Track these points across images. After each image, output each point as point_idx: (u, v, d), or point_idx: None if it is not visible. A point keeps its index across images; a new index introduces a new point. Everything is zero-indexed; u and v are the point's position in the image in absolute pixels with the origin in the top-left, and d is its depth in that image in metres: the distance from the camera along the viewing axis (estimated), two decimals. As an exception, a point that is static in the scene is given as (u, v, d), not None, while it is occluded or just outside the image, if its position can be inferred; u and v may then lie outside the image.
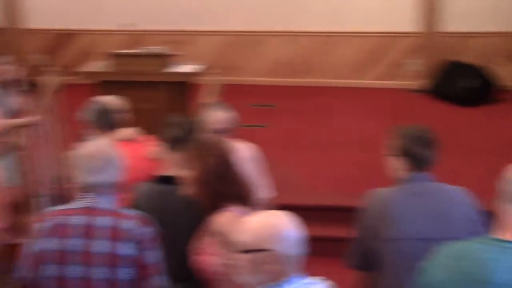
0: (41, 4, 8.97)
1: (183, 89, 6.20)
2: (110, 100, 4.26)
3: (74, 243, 2.83)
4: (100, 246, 2.82)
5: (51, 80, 6.17)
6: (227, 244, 2.75)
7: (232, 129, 3.85)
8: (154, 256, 2.89)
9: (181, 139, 3.37)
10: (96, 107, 4.16)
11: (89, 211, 2.87)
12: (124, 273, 2.82)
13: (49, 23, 9.03)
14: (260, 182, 3.99)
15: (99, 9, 8.95)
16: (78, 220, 2.85)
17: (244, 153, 3.93)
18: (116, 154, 2.96)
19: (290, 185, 5.71)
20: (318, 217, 5.28)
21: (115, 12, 8.80)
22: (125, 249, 2.82)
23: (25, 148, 5.33)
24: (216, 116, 3.82)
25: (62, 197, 5.26)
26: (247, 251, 2.34)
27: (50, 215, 2.94)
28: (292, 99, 8.34)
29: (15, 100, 5.59)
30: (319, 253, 3.48)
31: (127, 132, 4.17)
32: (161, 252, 2.93)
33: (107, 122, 4.11)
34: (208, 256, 3.01)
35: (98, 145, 3.00)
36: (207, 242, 3.03)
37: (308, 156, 6.68)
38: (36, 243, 2.89)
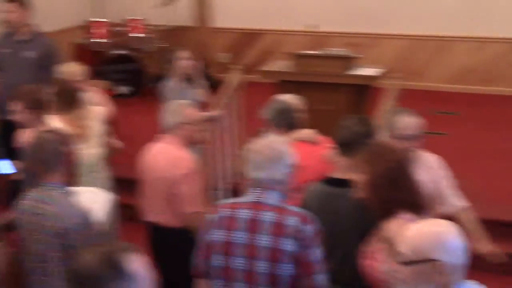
0: (228, 4, 9.31)
1: (363, 92, 6.14)
2: (291, 100, 4.27)
3: (239, 235, 2.91)
4: (263, 240, 2.87)
5: (234, 77, 6.37)
6: (393, 252, 2.69)
7: (419, 136, 3.73)
8: (316, 254, 2.89)
9: (352, 142, 3.33)
10: (276, 106, 4.19)
11: (256, 205, 2.92)
12: (285, 268, 2.85)
13: (235, 23, 9.35)
14: (448, 193, 3.87)
15: (284, 10, 9.12)
16: (245, 213, 2.93)
17: (430, 163, 3.82)
18: (286, 152, 2.98)
19: (481, 197, 5.40)
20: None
21: (300, 13, 8.94)
22: (287, 245, 2.85)
23: (207, 142, 5.54)
24: (406, 121, 3.66)
25: (237, 191, 5.41)
26: (411, 262, 2.28)
27: (221, 208, 3.03)
28: (473, 107, 8.00)
29: (197, 94, 5.82)
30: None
31: (306, 132, 4.18)
32: (323, 251, 2.93)
33: (286, 121, 4.13)
34: (375, 261, 2.96)
35: (268, 142, 3.04)
36: (376, 247, 2.98)
37: (491, 167, 6.37)
38: (208, 234, 3.00)
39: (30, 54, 5.74)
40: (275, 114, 4.14)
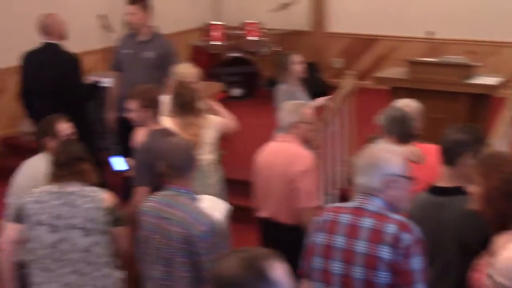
0: (344, 9, 9.27)
1: (482, 102, 5.95)
2: (408, 107, 4.18)
3: (339, 240, 2.91)
4: (361, 246, 2.85)
5: (347, 83, 6.34)
6: (493, 269, 2.60)
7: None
8: (416, 263, 2.82)
9: (453, 150, 3.24)
10: (392, 113, 4.11)
11: (357, 211, 2.91)
12: (381, 276, 2.80)
13: (350, 28, 9.30)
14: None
15: (401, 16, 8.98)
16: (345, 218, 2.92)
17: None
18: (389, 160, 2.91)
19: None
20: None
21: (416, 19, 8.77)
22: (384, 252, 2.81)
23: (319, 146, 5.54)
24: None
25: (345, 197, 5.38)
26: (501, 285, 2.18)
27: (326, 211, 3.05)
28: None
29: (308, 98, 5.82)
30: None
31: (410, 151, 4.03)
32: (424, 261, 2.87)
33: (399, 130, 4.04)
34: (482, 275, 2.87)
35: (375, 148, 3.01)
36: (485, 261, 2.89)
37: None
38: (312, 236, 3.03)
39: (149, 54, 5.93)
40: (389, 121, 4.08)
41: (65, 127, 4.19)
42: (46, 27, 5.80)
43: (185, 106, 4.70)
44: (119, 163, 4.36)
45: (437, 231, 3.17)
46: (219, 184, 4.94)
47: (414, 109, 4.22)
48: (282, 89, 5.69)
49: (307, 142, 4.34)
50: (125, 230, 3.67)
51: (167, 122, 4.67)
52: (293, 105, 4.36)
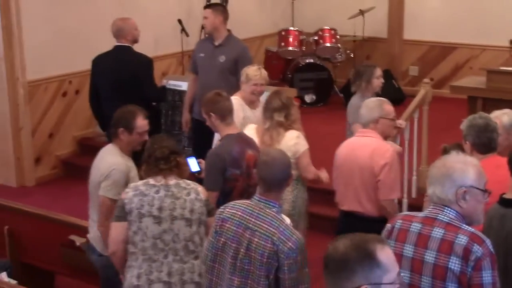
0: (423, 17, 9.12)
1: None
2: (496, 120, 4.01)
3: (408, 249, 2.88)
4: (430, 256, 2.81)
5: (422, 91, 6.24)
6: None
7: None
8: (487, 277, 2.74)
9: None
10: (474, 122, 3.96)
11: (428, 220, 2.87)
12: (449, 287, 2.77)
13: (427, 35, 9.15)
14: None
15: (480, 24, 8.76)
16: (416, 227, 2.88)
17: None
18: (462, 171, 2.84)
19: None
20: None
21: (498, 28, 8.54)
22: (454, 263, 2.76)
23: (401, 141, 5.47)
24: None
25: (419, 206, 5.29)
26: None
27: (398, 219, 3.01)
28: None
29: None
30: None
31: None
32: (495, 274, 2.79)
33: (480, 140, 3.90)
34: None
35: (450, 159, 2.94)
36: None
37: None
38: None
39: (223, 58, 5.99)
40: (469, 128, 3.95)
41: (143, 123, 4.27)
42: (120, 30, 5.93)
43: (269, 112, 4.68)
44: (193, 165, 4.40)
45: (507, 244, 3.12)
46: (297, 201, 4.76)
47: (504, 122, 4.06)
48: (356, 104, 5.51)
49: (386, 137, 4.45)
50: (214, 220, 3.65)
51: (250, 127, 4.71)
52: (376, 101, 4.46)
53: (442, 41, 9.09)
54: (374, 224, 4.01)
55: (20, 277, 4.51)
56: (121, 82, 5.74)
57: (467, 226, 2.85)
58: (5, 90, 6.71)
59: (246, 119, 5.08)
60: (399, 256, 2.88)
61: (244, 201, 3.38)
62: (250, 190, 4.02)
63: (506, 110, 4.19)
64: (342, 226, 4.41)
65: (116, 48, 5.94)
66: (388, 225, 3.01)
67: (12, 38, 6.59)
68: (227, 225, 3.27)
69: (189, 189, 3.75)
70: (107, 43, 6.15)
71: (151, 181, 3.74)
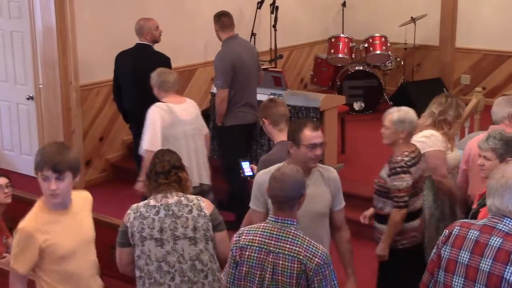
0: (476, 25, 8.98)
1: None
2: None
3: (464, 255, 2.88)
4: (486, 264, 2.80)
5: (474, 100, 6.16)
6: None
7: None
8: None
9: None
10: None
11: (486, 229, 2.88)
12: None
13: (480, 43, 9.01)
14: None
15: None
16: (474, 235, 2.89)
17: None
18: None
19: None
20: None
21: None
22: (509, 273, 2.75)
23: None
24: None
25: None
26: None
27: (456, 225, 3.01)
28: None
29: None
30: None
31: None
32: None
33: None
34: None
35: (508, 169, 2.93)
36: None
37: None
38: (438, 248, 3.02)
39: None
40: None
41: None
42: (140, 29, 6.19)
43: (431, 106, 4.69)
44: (247, 169, 4.39)
45: None
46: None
47: (393, 118, 4.16)
48: None
49: None
50: (225, 234, 3.64)
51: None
52: (507, 98, 4.53)
53: (495, 50, 8.94)
54: None
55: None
56: (139, 79, 5.87)
57: None
58: (58, 94, 6.83)
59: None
60: (454, 262, 2.91)
61: (259, 224, 3.24)
62: None
63: (403, 108, 4.24)
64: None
65: (137, 45, 6.23)
66: (446, 231, 3.01)
67: (66, 42, 6.71)
68: (247, 253, 3.14)
69: (191, 206, 3.59)
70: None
71: (151, 201, 3.61)
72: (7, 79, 7.35)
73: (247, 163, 4.43)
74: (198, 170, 5.30)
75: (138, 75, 5.94)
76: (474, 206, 3.96)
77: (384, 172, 4.13)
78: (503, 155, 3.82)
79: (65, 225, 3.35)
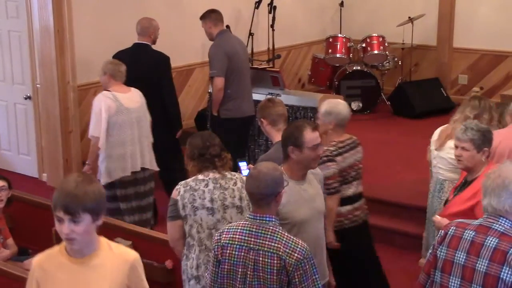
0: (474, 24, 8.98)
1: None
2: None
3: (460, 256, 2.89)
4: (482, 264, 2.81)
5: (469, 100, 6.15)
6: None
7: None
8: None
9: None
10: None
11: (482, 229, 2.88)
12: None
13: (479, 44, 9.01)
14: None
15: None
16: (470, 235, 2.89)
17: None
18: None
19: None
20: None
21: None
22: (508, 274, 2.75)
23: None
24: None
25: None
26: None
27: (452, 225, 3.02)
28: None
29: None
30: None
31: None
32: None
33: None
34: None
35: (504, 169, 2.93)
36: None
37: None
38: (434, 248, 3.02)
39: None
40: None
41: None
42: (146, 28, 6.20)
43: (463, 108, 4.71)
44: (244, 169, 4.41)
45: None
46: None
47: (321, 110, 4.36)
48: None
49: None
50: None
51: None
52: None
53: (493, 50, 8.93)
54: None
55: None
56: (139, 78, 5.90)
57: None
58: (56, 94, 6.84)
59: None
60: (450, 263, 2.91)
61: (238, 222, 3.28)
62: None
63: (333, 100, 4.54)
64: None
65: (134, 46, 6.22)
66: (441, 231, 3.02)
67: (64, 42, 6.71)
68: (228, 251, 3.17)
69: (235, 179, 3.89)
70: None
71: (199, 176, 3.85)
72: (5, 78, 7.35)
73: (245, 163, 4.44)
74: (142, 156, 5.64)
75: (139, 74, 5.93)
76: (451, 197, 4.00)
77: None
78: (480, 146, 3.88)
79: (71, 276, 2.75)
